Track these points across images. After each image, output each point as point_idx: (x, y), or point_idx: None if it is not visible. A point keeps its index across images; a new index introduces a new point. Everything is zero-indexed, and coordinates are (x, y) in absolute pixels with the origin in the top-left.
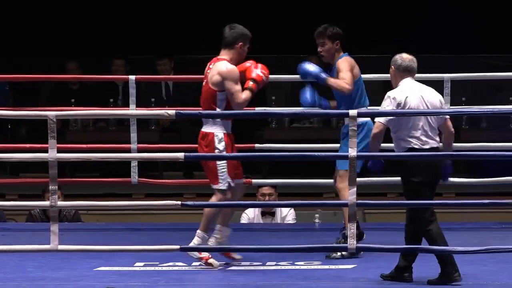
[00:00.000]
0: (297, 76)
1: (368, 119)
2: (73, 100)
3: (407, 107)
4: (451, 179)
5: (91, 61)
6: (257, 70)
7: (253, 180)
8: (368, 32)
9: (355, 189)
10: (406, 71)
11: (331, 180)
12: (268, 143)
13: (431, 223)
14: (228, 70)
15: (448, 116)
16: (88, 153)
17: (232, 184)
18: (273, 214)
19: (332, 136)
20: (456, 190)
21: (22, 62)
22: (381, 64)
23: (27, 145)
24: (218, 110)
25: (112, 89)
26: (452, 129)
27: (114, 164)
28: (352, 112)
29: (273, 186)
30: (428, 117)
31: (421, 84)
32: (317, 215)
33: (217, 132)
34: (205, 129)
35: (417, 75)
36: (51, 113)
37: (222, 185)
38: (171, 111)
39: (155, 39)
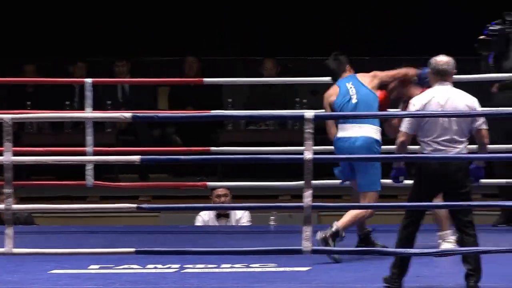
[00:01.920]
0: (256, 79)
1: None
2: (29, 103)
3: (430, 111)
4: (408, 181)
5: (48, 63)
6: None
7: (208, 183)
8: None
9: (310, 191)
10: (439, 75)
11: (287, 183)
12: (224, 146)
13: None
14: None
15: (484, 127)
16: (44, 156)
17: None
18: (228, 216)
19: (288, 138)
20: None
21: None
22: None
23: None
24: None
25: (68, 92)
26: (485, 141)
27: (69, 167)
28: (308, 114)
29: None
30: (450, 123)
31: (452, 89)
32: (272, 217)
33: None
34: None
35: None
36: (7, 116)
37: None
38: (128, 114)
39: (112, 42)
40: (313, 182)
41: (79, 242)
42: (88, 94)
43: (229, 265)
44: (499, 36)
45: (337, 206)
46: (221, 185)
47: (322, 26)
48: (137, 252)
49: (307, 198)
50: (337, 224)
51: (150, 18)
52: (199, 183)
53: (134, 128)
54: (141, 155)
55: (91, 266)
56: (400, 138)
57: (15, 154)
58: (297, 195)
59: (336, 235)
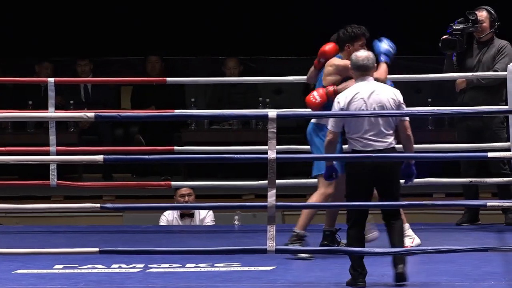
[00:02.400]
0: (219, 78)
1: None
2: None
3: (353, 109)
4: None
5: (12, 63)
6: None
7: (172, 182)
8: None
9: (274, 191)
10: (360, 70)
11: (251, 182)
12: (188, 145)
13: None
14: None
15: (407, 118)
16: (6, 156)
17: None
18: (192, 216)
19: (252, 138)
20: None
21: None
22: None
23: None
24: None
25: (32, 91)
26: (408, 132)
27: (33, 166)
28: (272, 113)
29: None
30: (377, 118)
31: (375, 83)
32: (236, 216)
33: None
34: None
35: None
36: None
37: None
38: (90, 114)
39: (75, 41)
40: (277, 181)
41: (43, 242)
42: (51, 93)
43: (193, 265)
44: (462, 35)
45: (300, 206)
46: (185, 185)
47: (285, 26)
48: (101, 252)
49: (271, 197)
50: (296, 229)
51: (113, 17)
52: (163, 183)
53: (97, 128)
54: (105, 154)
55: (56, 266)
56: (328, 137)
57: None
58: (261, 194)
59: (300, 239)
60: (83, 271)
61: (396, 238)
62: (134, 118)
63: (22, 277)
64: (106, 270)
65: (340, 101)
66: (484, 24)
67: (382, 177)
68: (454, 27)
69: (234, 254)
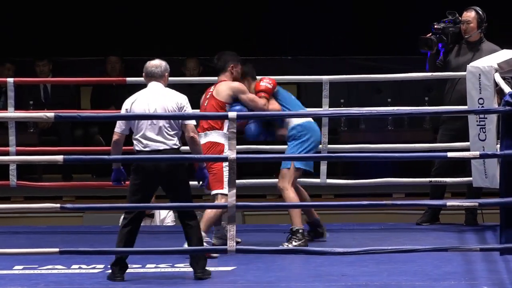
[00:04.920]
0: (178, 78)
1: (303, 120)
2: None
3: (136, 111)
4: (330, 180)
5: None
6: (263, 83)
7: None
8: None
9: (234, 191)
10: (149, 76)
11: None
12: None
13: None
14: (239, 84)
15: (187, 122)
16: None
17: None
18: (152, 216)
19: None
20: (335, 192)
21: None
22: None
23: None
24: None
25: None
26: (191, 134)
27: None
28: (231, 114)
29: None
30: (153, 121)
31: (163, 89)
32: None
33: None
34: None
35: (296, 77)
36: None
37: (226, 190)
38: (50, 114)
39: (35, 42)
40: (237, 181)
41: (3, 242)
42: (10, 94)
43: (153, 265)
44: (443, 34)
45: (261, 206)
46: None
47: (244, 26)
48: (61, 253)
49: (232, 197)
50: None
51: (73, 17)
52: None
53: (57, 128)
54: (64, 155)
55: (16, 267)
56: (113, 138)
57: None
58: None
59: (295, 234)
60: (43, 271)
61: (195, 238)
62: (93, 118)
63: None
64: (66, 271)
65: (126, 104)
66: (471, 25)
67: (164, 178)
68: (435, 26)
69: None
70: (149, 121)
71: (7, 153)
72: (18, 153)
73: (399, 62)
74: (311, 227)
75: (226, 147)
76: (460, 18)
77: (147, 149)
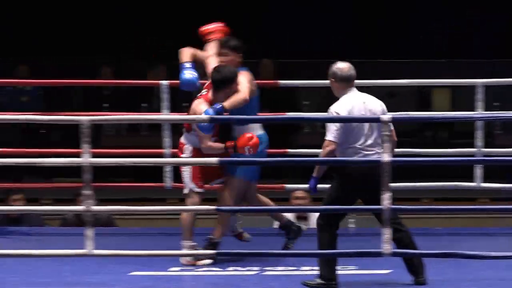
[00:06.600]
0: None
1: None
2: (106, 105)
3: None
4: (485, 184)
5: (125, 66)
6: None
7: (286, 185)
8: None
9: (389, 194)
10: (346, 81)
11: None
12: (302, 148)
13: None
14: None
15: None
16: (122, 158)
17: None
18: (306, 219)
19: None
20: (491, 195)
21: (55, 67)
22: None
23: (61, 150)
24: None
25: (146, 94)
26: (396, 138)
27: (147, 169)
28: (385, 117)
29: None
30: (372, 129)
31: (362, 93)
32: (351, 220)
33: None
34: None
35: (450, 80)
36: (84, 118)
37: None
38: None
39: None
40: (392, 184)
41: (159, 244)
42: (165, 96)
43: (309, 268)
44: None
45: (415, 209)
46: (299, 187)
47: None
48: (218, 254)
49: (386, 200)
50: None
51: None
52: (277, 186)
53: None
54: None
55: (172, 268)
56: (329, 147)
57: (94, 156)
58: None
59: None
60: (199, 273)
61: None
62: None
63: (138, 279)
64: (222, 273)
65: (340, 111)
66: None
67: (374, 185)
68: None
69: (350, 257)
70: (367, 130)
71: (161, 155)
72: (173, 155)
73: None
74: (285, 229)
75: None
76: None
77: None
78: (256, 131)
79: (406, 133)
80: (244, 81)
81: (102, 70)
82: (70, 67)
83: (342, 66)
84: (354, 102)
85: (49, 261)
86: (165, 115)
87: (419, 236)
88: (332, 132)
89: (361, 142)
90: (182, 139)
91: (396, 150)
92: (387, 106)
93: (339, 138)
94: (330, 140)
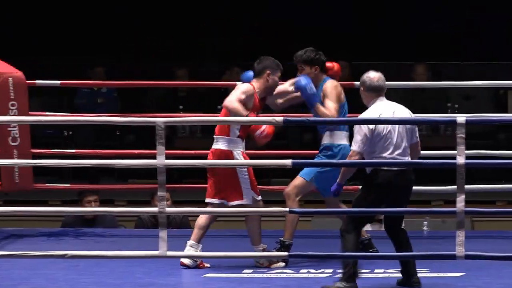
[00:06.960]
0: (407, 82)
1: (345, 143)
2: (181, 107)
3: (381, 129)
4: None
5: (200, 67)
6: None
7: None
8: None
9: (463, 196)
10: (375, 91)
11: (440, 188)
12: None
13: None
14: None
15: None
16: (196, 160)
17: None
18: (381, 222)
19: (440, 143)
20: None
21: (130, 69)
22: None
23: (136, 151)
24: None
25: (221, 96)
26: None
27: None
28: (461, 119)
29: None
30: (402, 138)
31: (392, 102)
32: (425, 222)
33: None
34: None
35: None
36: (159, 120)
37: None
38: (279, 118)
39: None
40: (466, 187)
41: (233, 246)
42: None
43: (382, 270)
44: None
45: (490, 212)
46: None
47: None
48: (290, 256)
49: (460, 203)
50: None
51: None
52: (351, 188)
53: (285, 133)
54: (293, 159)
55: (245, 270)
56: (353, 157)
57: (168, 157)
58: (450, 200)
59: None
60: (272, 275)
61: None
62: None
63: (212, 281)
64: (295, 275)
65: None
66: None
67: (406, 192)
68: None
69: (423, 259)
70: (397, 139)
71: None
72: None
73: None
74: None
75: (235, 153)
76: None
77: (395, 168)
78: (341, 140)
79: (480, 135)
80: (332, 97)
81: (177, 72)
82: (147, 69)
83: (372, 76)
84: (382, 111)
85: (123, 262)
86: (239, 117)
87: (494, 239)
88: (356, 141)
89: (389, 151)
90: (223, 145)
91: (469, 152)
92: (462, 109)
93: (364, 148)
94: (354, 150)
